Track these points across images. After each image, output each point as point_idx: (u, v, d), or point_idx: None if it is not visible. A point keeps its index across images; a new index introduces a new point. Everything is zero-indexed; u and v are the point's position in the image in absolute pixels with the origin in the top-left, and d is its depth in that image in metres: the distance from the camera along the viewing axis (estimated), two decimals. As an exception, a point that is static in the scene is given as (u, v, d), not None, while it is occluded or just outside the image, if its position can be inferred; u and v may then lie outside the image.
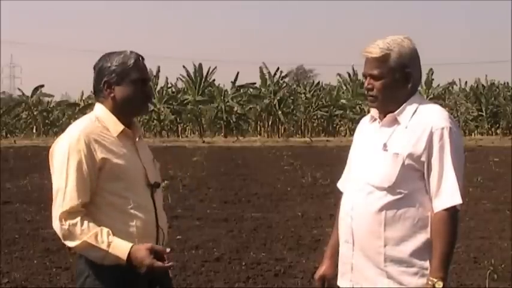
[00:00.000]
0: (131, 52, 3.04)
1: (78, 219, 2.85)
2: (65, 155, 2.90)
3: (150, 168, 3.07)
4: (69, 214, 2.86)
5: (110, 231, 2.85)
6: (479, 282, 6.45)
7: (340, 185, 3.20)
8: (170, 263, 2.89)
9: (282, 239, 8.41)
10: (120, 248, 2.83)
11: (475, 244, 8.12)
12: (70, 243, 2.89)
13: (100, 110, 3.03)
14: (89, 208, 2.91)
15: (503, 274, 6.60)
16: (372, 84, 2.95)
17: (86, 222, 2.85)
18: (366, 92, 2.99)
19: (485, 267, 6.82)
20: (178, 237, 8.26)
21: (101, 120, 3.00)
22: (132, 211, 2.91)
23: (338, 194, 3.16)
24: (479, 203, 11.46)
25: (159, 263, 2.85)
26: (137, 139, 3.09)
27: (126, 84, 2.99)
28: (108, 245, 2.83)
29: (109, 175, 2.91)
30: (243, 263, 7.15)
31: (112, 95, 3.00)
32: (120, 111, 3.01)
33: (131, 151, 3.03)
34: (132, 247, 2.84)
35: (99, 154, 2.91)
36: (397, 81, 2.93)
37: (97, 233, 2.84)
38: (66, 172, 2.88)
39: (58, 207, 2.88)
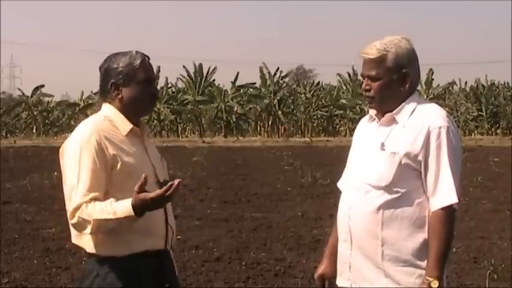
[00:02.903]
0: (137, 52, 3.04)
1: (83, 206, 2.83)
2: (76, 153, 2.90)
3: (158, 167, 3.09)
4: (77, 208, 2.84)
5: (113, 200, 2.82)
6: (479, 282, 6.45)
7: (340, 184, 3.21)
8: (177, 181, 2.75)
9: (282, 239, 8.41)
10: (124, 209, 2.78)
11: (475, 244, 8.12)
12: (86, 232, 2.86)
13: (108, 110, 3.04)
14: None
15: (503, 274, 6.60)
16: (370, 85, 2.96)
17: (90, 204, 2.82)
18: (363, 93, 3.00)
19: (485, 267, 6.82)
20: (178, 237, 8.22)
21: (110, 119, 3.01)
22: None
23: (338, 194, 3.17)
24: (479, 203, 11.46)
25: (161, 190, 2.75)
26: (145, 138, 3.10)
27: (133, 85, 3.00)
28: (114, 213, 2.79)
29: (120, 173, 2.91)
30: (243, 263, 7.16)
31: (120, 96, 3.01)
32: (128, 111, 3.02)
33: (140, 150, 3.04)
34: (132, 201, 2.77)
35: (111, 151, 2.91)
36: (394, 82, 2.93)
37: (102, 207, 2.81)
38: (78, 169, 2.87)
39: (71, 204, 2.87)
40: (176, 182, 2.74)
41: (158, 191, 2.74)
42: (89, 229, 2.84)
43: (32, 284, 6.43)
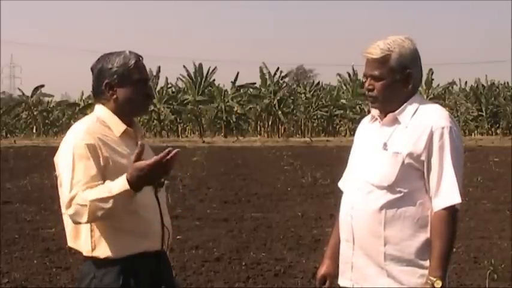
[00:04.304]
0: (130, 52, 3.03)
1: (78, 192, 2.79)
2: (70, 153, 2.87)
3: None
4: (73, 198, 2.79)
5: (108, 181, 2.79)
6: (479, 282, 6.45)
7: (341, 184, 3.20)
8: (174, 151, 2.73)
9: (282, 239, 8.41)
10: (119, 185, 2.74)
11: (475, 244, 8.12)
12: (84, 218, 2.79)
13: (101, 111, 3.02)
14: None
15: (503, 274, 6.60)
16: (373, 85, 2.96)
17: (85, 191, 2.78)
18: (366, 93, 3.00)
19: (485, 267, 6.82)
20: (178, 237, 8.25)
21: (103, 120, 2.99)
22: (137, 210, 2.89)
23: (338, 194, 3.16)
24: (479, 203, 11.46)
25: (159, 156, 2.72)
26: (139, 139, 3.08)
27: (128, 86, 2.98)
28: (110, 191, 2.75)
29: (113, 174, 2.88)
30: (243, 263, 7.15)
31: (114, 96, 2.99)
32: (122, 112, 3.01)
33: (134, 151, 3.02)
34: (127, 175, 2.73)
35: (104, 152, 2.90)
36: (397, 82, 2.93)
37: (97, 189, 2.77)
38: (72, 167, 2.84)
39: (65, 197, 2.83)
40: (174, 150, 2.71)
41: (156, 157, 2.70)
42: (85, 216, 2.77)
43: (32, 284, 6.43)
